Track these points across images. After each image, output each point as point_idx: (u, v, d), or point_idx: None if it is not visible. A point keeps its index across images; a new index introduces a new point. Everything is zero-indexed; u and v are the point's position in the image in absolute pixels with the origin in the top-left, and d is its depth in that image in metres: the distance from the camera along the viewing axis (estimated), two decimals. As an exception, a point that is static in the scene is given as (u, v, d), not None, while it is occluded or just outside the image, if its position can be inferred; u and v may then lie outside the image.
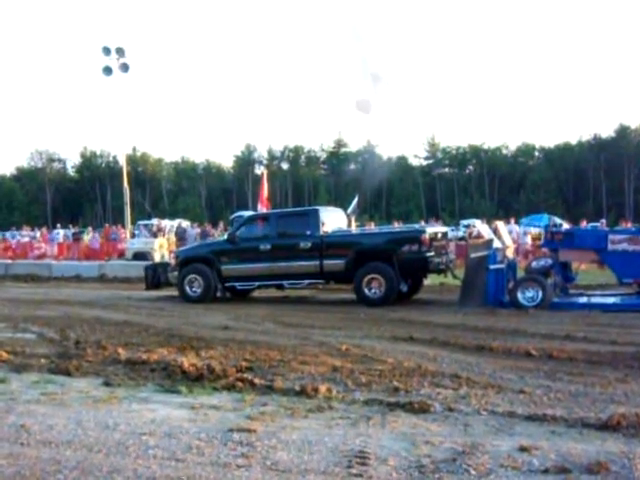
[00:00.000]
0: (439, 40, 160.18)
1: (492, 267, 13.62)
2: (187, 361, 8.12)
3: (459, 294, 14.18)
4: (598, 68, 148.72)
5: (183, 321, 12.44)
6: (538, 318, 11.87)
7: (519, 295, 13.17)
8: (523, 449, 4.90)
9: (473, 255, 14.28)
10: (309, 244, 15.22)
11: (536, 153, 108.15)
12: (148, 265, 19.22)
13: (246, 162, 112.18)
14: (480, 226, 16.13)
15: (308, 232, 15.32)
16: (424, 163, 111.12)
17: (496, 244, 14.06)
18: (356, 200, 19.49)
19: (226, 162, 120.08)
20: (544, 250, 15.36)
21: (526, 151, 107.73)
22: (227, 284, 16.09)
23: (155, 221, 41.94)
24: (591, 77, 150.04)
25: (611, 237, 13.42)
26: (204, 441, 5.33)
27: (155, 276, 17.59)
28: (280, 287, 16.19)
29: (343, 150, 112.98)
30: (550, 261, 13.93)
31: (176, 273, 16.49)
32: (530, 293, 13.11)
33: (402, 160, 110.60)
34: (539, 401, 6.31)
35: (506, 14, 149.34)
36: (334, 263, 15.01)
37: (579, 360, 8.09)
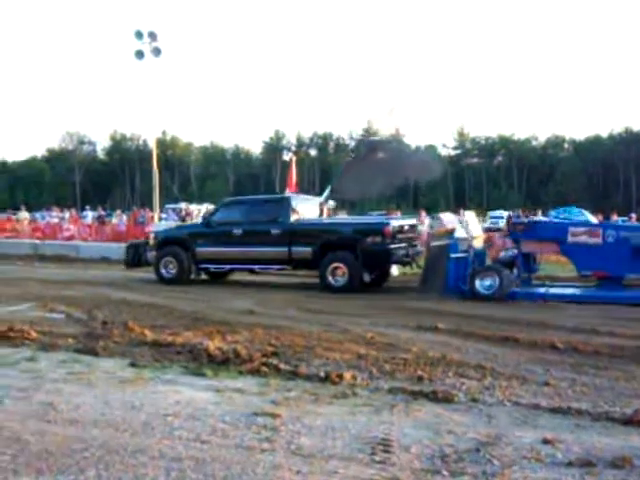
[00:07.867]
0: (471, 31, 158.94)
1: (453, 256, 13.85)
2: (213, 344, 8.17)
3: (419, 281, 14.61)
4: (632, 61, 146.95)
5: (207, 305, 12.50)
6: (564, 311, 11.79)
7: (477, 283, 13.28)
8: (547, 441, 4.89)
9: (434, 244, 14.71)
10: (279, 231, 15.55)
11: (566, 145, 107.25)
12: (130, 243, 19.28)
13: (274, 148, 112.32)
14: (444, 216, 16.29)
15: (279, 219, 15.68)
16: (453, 153, 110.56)
17: (459, 234, 14.14)
18: (329, 189, 19.52)
19: (254, 148, 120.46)
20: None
21: (556, 143, 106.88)
22: (201, 266, 16.49)
23: (183, 205, 42.10)
24: (624, 70, 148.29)
25: (571, 229, 13.50)
26: (228, 424, 5.38)
27: (136, 255, 17.73)
28: (251, 271, 16.73)
29: (372, 138, 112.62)
30: (516, 252, 13.97)
31: (154, 253, 16.84)
32: (488, 282, 13.22)
33: (431, 149, 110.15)
34: (564, 394, 6.28)
35: (539, 4, 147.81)
36: (302, 250, 15.32)
37: (604, 354, 8.03)
